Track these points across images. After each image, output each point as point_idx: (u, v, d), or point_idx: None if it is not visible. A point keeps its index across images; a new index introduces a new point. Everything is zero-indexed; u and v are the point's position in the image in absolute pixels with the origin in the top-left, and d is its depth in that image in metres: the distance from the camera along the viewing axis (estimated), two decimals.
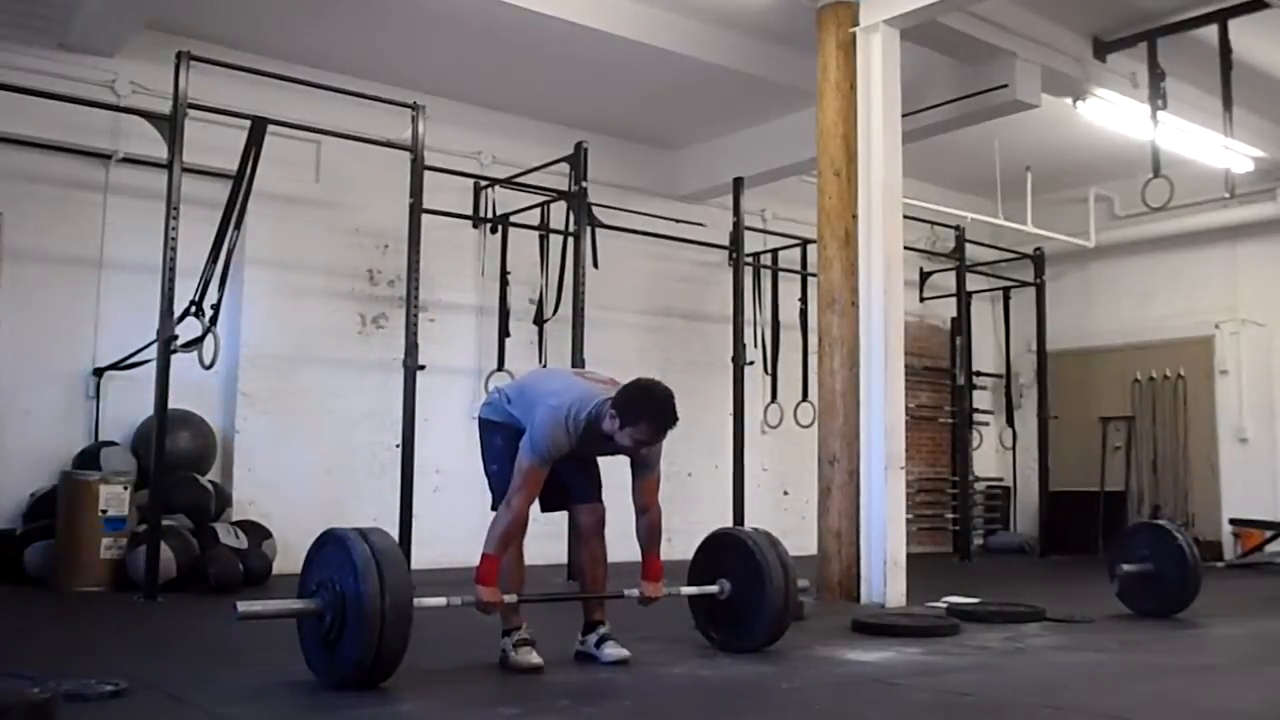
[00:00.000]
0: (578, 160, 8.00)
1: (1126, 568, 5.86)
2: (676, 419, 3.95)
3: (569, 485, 4.22)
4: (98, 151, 7.48)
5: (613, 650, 4.12)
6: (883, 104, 6.66)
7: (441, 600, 3.81)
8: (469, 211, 8.70)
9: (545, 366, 8.41)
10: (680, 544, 8.30)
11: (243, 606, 3.51)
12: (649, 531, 4.25)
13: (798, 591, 4.44)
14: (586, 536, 4.28)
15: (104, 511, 6.45)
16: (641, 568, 4.27)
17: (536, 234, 8.73)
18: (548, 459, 3.94)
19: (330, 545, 3.58)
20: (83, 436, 7.29)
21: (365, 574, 3.39)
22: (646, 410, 3.94)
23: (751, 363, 9.21)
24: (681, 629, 4.98)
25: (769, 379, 10.08)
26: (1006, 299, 11.97)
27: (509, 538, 3.96)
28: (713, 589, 4.42)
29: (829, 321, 6.74)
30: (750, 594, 4.38)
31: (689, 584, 4.52)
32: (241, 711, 3.35)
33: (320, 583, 3.55)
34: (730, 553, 4.50)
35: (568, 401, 3.97)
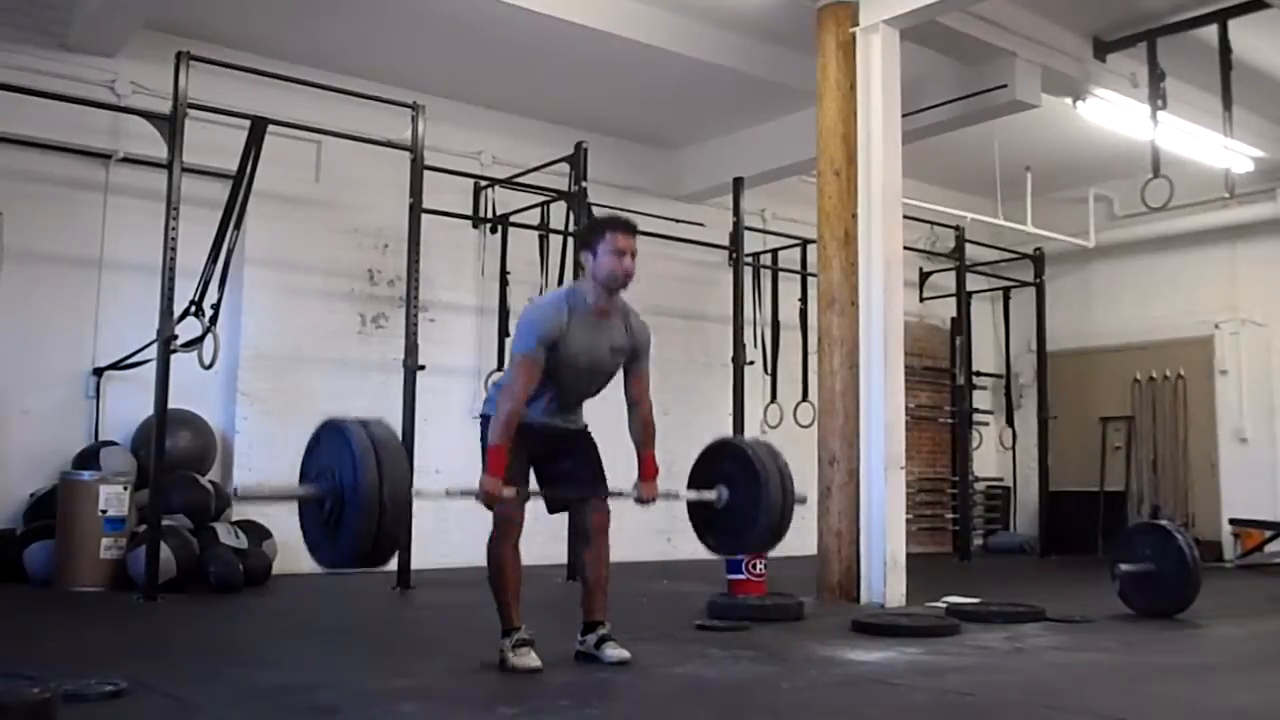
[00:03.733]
0: (578, 160, 8.00)
1: (1125, 567, 5.86)
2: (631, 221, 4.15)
3: (573, 479, 4.19)
4: (98, 151, 7.48)
5: (614, 651, 4.11)
6: (883, 104, 6.66)
7: (441, 490, 3.84)
8: (469, 211, 8.70)
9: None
10: (680, 543, 8.31)
11: (242, 489, 3.50)
12: (643, 427, 4.26)
13: (795, 500, 4.40)
14: (591, 534, 4.20)
15: (104, 511, 6.44)
16: (638, 467, 4.26)
17: (536, 234, 8.74)
18: (540, 342, 3.94)
19: (329, 434, 3.52)
20: (83, 436, 7.29)
21: (363, 463, 3.33)
22: (602, 222, 4.20)
23: (751, 363, 9.22)
24: (682, 629, 4.98)
25: (769, 379, 10.08)
26: (1006, 299, 11.98)
27: (510, 423, 3.92)
28: (710, 495, 4.38)
29: (829, 321, 6.74)
30: (748, 501, 4.32)
31: (688, 490, 4.48)
32: (241, 711, 3.35)
33: (320, 470, 3.50)
34: (729, 460, 4.45)
35: (545, 298, 4.12)
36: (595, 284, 4.07)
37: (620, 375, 4.24)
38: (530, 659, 3.89)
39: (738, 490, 4.35)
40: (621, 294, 4.14)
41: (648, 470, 4.28)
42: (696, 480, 4.49)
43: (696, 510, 4.48)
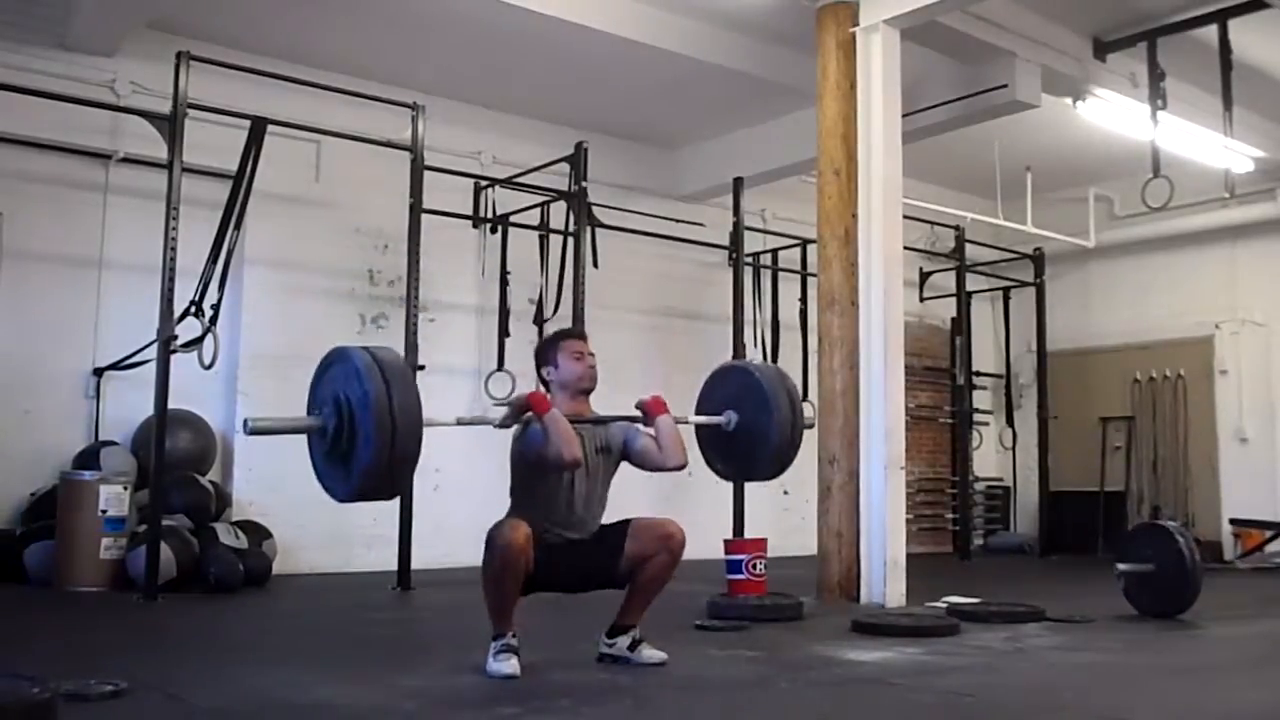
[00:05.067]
0: (578, 160, 8.00)
1: (1124, 567, 5.86)
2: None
3: (598, 554, 4.00)
4: (98, 151, 7.48)
5: (650, 652, 4.05)
6: (883, 104, 6.66)
7: (450, 418, 3.82)
8: (469, 211, 8.70)
9: None
10: None
11: (252, 423, 3.44)
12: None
13: (805, 425, 4.38)
14: (659, 541, 3.99)
15: (104, 511, 6.44)
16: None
17: (536, 234, 8.73)
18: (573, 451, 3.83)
19: (334, 363, 3.48)
20: (83, 436, 7.29)
21: (370, 376, 3.29)
22: (554, 336, 4.31)
23: None
24: (681, 629, 4.98)
25: None
26: (1006, 299, 11.98)
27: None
28: (719, 419, 4.37)
29: (829, 321, 6.74)
30: (756, 426, 4.30)
31: (696, 415, 4.46)
32: (241, 712, 3.35)
33: (325, 399, 3.45)
34: (737, 385, 4.44)
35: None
36: (565, 393, 4.09)
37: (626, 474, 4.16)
38: (510, 665, 3.78)
39: (746, 413, 4.33)
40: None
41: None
42: (704, 406, 4.48)
43: (706, 437, 4.46)
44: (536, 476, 3.96)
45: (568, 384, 4.11)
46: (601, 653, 4.12)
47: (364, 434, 3.29)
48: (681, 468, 4.16)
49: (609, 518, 4.13)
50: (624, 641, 4.09)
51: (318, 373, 3.54)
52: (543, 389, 4.12)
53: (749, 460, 4.41)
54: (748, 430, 4.33)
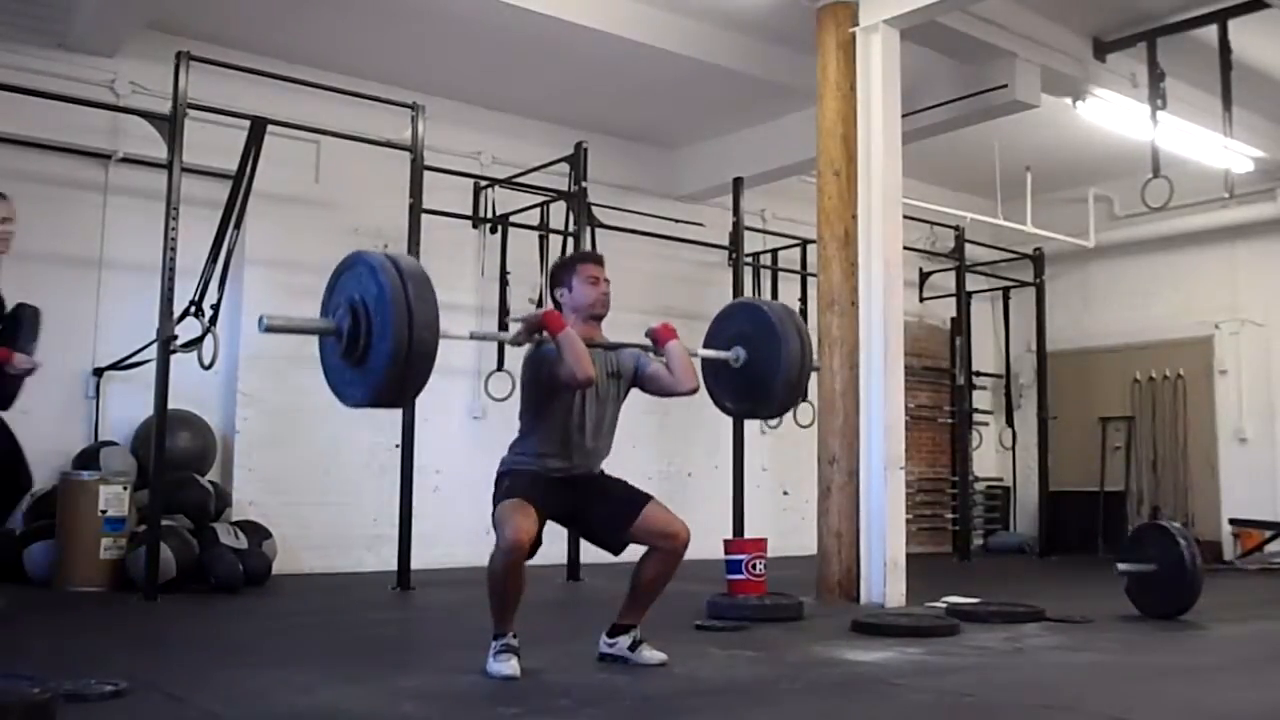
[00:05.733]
0: (578, 160, 8.00)
1: (1124, 567, 5.86)
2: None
3: (611, 512, 4.01)
4: (98, 151, 7.48)
5: (650, 653, 4.05)
6: (883, 104, 6.66)
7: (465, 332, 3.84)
8: (469, 211, 8.70)
9: None
10: None
11: (268, 320, 3.38)
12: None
13: (813, 364, 4.39)
14: (661, 540, 3.97)
15: (104, 511, 6.44)
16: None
17: (536, 234, 8.73)
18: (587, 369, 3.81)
19: (348, 268, 3.45)
20: (83, 436, 7.28)
21: (385, 272, 3.26)
22: (572, 258, 4.31)
23: None
24: (681, 629, 4.98)
25: None
26: (1006, 299, 11.98)
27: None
28: (726, 354, 4.36)
29: (829, 321, 6.74)
30: (765, 363, 4.29)
31: (705, 350, 4.45)
32: (241, 711, 3.35)
33: (339, 303, 3.41)
34: (746, 322, 4.42)
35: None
36: (576, 316, 4.09)
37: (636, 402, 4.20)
38: (509, 666, 3.78)
39: (755, 349, 4.32)
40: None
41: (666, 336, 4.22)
42: (712, 343, 4.47)
43: (714, 374, 4.45)
44: (547, 397, 3.95)
45: (580, 308, 4.10)
46: (602, 653, 4.12)
47: (380, 328, 3.25)
48: (693, 391, 4.20)
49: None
50: (624, 641, 4.08)
51: (331, 279, 3.51)
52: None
53: (759, 395, 4.39)
54: (757, 366, 4.32)
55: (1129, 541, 6.26)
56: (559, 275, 4.20)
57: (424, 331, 3.26)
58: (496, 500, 3.90)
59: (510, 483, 3.92)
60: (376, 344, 3.29)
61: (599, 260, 4.24)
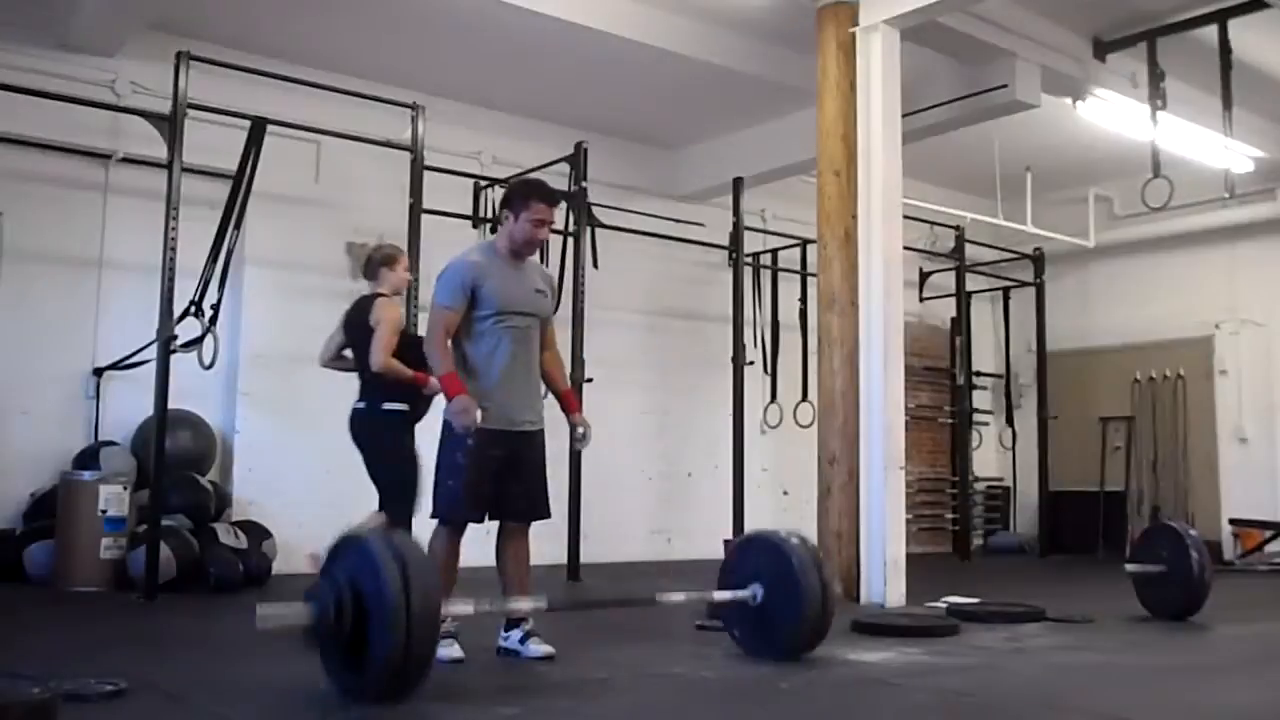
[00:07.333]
0: (578, 160, 8.00)
1: (1132, 568, 5.85)
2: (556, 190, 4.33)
3: (521, 499, 4.22)
4: (97, 151, 7.48)
5: (537, 646, 4.14)
6: (883, 104, 6.66)
7: (469, 608, 3.71)
8: (469, 211, 8.69)
9: None
10: (680, 544, 8.29)
11: (262, 610, 3.33)
12: (560, 365, 4.49)
13: (834, 606, 4.25)
14: (515, 537, 4.27)
15: (104, 511, 6.44)
16: (562, 405, 4.41)
17: None
18: (463, 289, 4.08)
19: (347, 548, 3.38)
20: (83, 436, 7.29)
21: (385, 566, 3.17)
22: (531, 188, 4.30)
23: (751, 363, 9.21)
24: (681, 629, 4.98)
25: (769, 379, 10.08)
26: (1006, 299, 11.98)
27: (445, 350, 4.08)
28: (745, 594, 4.24)
29: (829, 321, 6.74)
30: (783, 602, 4.17)
31: (720, 586, 4.35)
32: (241, 712, 3.35)
33: (334, 582, 3.33)
34: (764, 556, 4.30)
35: (461, 253, 4.28)
36: (508, 242, 4.25)
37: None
38: (454, 650, 3.98)
39: (772, 589, 4.19)
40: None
41: (573, 404, 4.46)
42: (729, 574, 4.36)
43: (730, 612, 4.35)
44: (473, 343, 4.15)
45: (514, 240, 4.24)
46: (499, 646, 4.21)
47: (377, 624, 3.18)
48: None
49: None
50: (517, 634, 4.18)
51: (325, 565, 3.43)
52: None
53: (772, 636, 4.22)
54: (774, 606, 4.19)
55: (1138, 542, 6.24)
56: (512, 199, 4.29)
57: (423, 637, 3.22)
58: None
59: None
60: (374, 640, 3.21)
61: (553, 201, 4.31)
